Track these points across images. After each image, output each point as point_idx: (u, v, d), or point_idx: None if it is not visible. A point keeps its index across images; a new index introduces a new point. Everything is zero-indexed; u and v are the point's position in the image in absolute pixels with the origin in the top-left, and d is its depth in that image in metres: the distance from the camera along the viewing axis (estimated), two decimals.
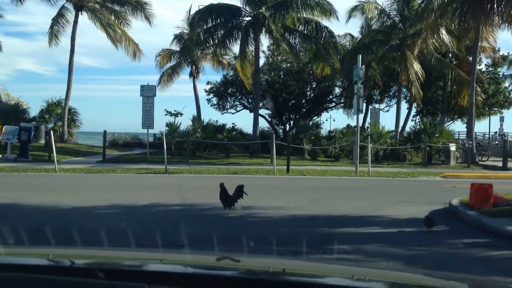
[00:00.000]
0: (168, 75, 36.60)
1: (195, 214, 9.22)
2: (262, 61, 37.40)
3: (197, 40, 29.20)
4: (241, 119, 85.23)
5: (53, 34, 30.58)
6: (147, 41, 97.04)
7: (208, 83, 38.71)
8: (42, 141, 28.54)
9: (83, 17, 31.86)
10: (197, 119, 27.18)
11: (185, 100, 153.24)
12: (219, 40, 29.61)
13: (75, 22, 31.46)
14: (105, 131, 23.02)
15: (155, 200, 10.69)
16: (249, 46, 28.80)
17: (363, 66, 19.81)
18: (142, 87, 24.16)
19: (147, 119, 24.14)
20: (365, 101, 31.54)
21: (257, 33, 28.60)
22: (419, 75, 28.98)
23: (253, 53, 30.05)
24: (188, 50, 29.48)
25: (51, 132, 18.35)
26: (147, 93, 24.11)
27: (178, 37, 36.51)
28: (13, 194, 10.99)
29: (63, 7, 31.24)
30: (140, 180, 15.38)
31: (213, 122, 32.43)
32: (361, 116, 30.58)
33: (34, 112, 35.36)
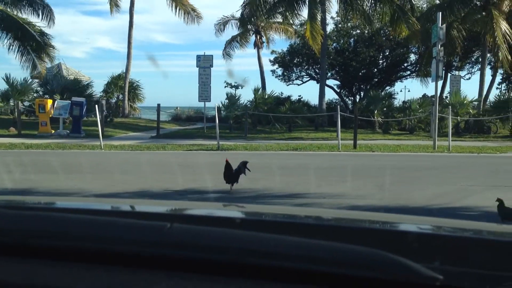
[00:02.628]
0: (230, 46, 34.92)
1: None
2: (330, 28, 35.06)
3: (259, 2, 27.10)
4: (308, 91, 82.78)
5: (113, 3, 29.67)
6: (216, 15, 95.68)
7: (272, 52, 36.65)
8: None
9: None
10: (257, 90, 25.25)
11: (249, 73, 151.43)
12: (287, 2, 27.26)
13: None
14: (158, 105, 21.70)
15: (188, 184, 9.04)
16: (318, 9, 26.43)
17: (444, 25, 17.16)
18: (198, 57, 22.56)
19: (204, 92, 22.61)
20: (444, 68, 28.46)
21: None
22: (507, 37, 25.59)
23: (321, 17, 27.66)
24: (249, 14, 27.41)
25: (97, 106, 17.10)
26: (204, 63, 22.52)
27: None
28: (36, 177, 9.70)
29: None
30: (186, 158, 13.82)
31: (278, 94, 30.57)
32: (440, 84, 27.54)
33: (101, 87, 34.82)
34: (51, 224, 1.09)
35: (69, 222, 1.11)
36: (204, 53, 22.77)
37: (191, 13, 31.12)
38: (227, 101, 24.04)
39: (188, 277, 0.95)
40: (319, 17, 27.22)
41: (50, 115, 21.00)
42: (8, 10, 27.22)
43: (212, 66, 22.70)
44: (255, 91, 24.94)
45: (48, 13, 28.58)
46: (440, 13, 17.17)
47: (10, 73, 30.75)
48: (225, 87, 31.13)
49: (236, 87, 29.09)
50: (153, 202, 2.53)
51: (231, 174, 8.38)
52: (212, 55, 22.89)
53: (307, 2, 26.13)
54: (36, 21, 27.68)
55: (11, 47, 27.05)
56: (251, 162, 11.64)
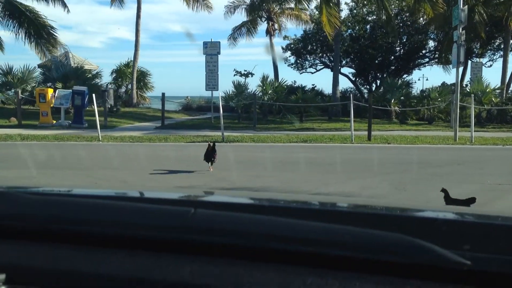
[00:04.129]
0: (240, 32, 33.80)
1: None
2: (344, 13, 33.83)
3: None
4: (323, 80, 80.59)
5: None
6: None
7: (285, 37, 35.31)
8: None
9: None
10: (265, 78, 24.07)
11: (260, 62, 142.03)
12: None
13: None
14: (163, 94, 20.78)
15: (177, 181, 8.07)
16: None
17: (465, 7, 15.92)
18: (205, 44, 21.48)
19: (211, 80, 21.56)
20: (465, 54, 27.09)
21: None
22: None
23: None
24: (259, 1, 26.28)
25: (94, 95, 16.10)
26: (210, 50, 21.44)
27: None
28: (5, 173, 8.79)
29: None
30: (186, 151, 12.83)
31: (291, 83, 29.50)
32: (460, 71, 26.23)
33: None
34: (76, 209, 1.10)
35: (94, 208, 1.10)
36: (211, 39, 21.71)
37: (199, 1, 30.05)
38: (234, 89, 22.94)
39: (212, 261, 0.96)
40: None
41: (51, 105, 20.18)
42: None
43: (220, 53, 21.63)
44: (264, 79, 23.77)
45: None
46: None
47: (26, 63, 30.03)
48: (234, 75, 29.95)
49: (246, 75, 27.93)
50: (174, 189, 2.61)
51: (208, 153, 9.09)
52: (219, 42, 21.85)
53: None
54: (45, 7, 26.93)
55: (17, 35, 26.35)
56: (256, 155, 10.67)
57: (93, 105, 15.82)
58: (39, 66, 29.50)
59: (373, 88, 34.20)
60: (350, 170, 9.78)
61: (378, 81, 34.93)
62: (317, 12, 31.61)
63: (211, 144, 9.25)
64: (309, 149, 13.69)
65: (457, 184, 8.16)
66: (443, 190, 5.98)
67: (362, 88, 35.98)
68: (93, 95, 16.06)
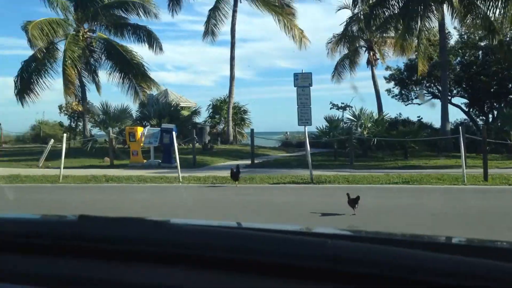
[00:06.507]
0: (342, 65, 32.33)
1: None
2: (454, 40, 31.34)
3: (368, 18, 24.51)
4: (432, 111, 75.47)
5: (209, 26, 28.66)
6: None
7: (387, 68, 33.29)
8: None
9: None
10: (361, 111, 22.07)
11: (365, 95, 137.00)
12: (399, 15, 24.31)
13: (234, 11, 29.13)
14: (252, 130, 19.76)
15: None
16: (429, 20, 23.23)
17: None
18: (296, 75, 19.95)
19: (304, 114, 19.90)
20: None
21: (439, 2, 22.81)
22: None
23: (435, 30, 24.35)
24: (357, 31, 24.85)
25: (174, 132, 15.29)
26: (302, 82, 19.85)
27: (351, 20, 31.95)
28: None
29: None
30: (263, 196, 11.37)
31: (396, 115, 27.55)
32: None
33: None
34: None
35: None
36: (302, 70, 20.22)
37: (298, 36, 29.19)
38: (327, 124, 21.25)
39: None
40: (433, 26, 24.01)
41: (142, 144, 19.81)
42: (111, 38, 27.20)
43: (312, 85, 19.88)
44: (360, 112, 21.82)
45: (154, 41, 28.18)
46: None
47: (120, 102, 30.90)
48: (330, 108, 28.42)
49: (343, 108, 26.23)
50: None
51: (233, 173, 13.08)
52: (311, 73, 19.96)
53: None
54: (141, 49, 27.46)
55: (112, 75, 26.92)
56: (341, 201, 9.17)
57: (174, 143, 14.94)
58: (140, 104, 29.91)
59: (490, 120, 30.95)
60: (457, 226, 7.71)
61: (496, 112, 31.62)
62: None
63: (234, 169, 12.75)
64: (410, 193, 11.70)
65: None
66: (347, 194, 7.77)
67: (478, 120, 32.77)
68: (173, 133, 15.28)
